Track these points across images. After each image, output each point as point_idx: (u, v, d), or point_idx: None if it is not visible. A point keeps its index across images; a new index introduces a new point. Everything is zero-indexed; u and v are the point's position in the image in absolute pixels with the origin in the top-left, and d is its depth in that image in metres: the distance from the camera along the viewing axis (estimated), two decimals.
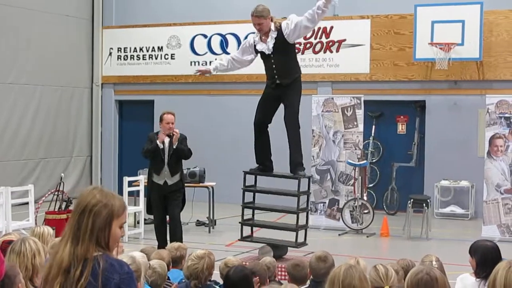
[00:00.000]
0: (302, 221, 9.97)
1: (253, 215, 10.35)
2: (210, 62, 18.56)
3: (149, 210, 11.34)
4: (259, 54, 9.72)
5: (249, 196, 10.24)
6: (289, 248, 10.02)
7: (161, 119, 11.09)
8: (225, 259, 6.95)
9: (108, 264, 3.32)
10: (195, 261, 5.94)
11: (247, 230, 10.46)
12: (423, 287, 3.86)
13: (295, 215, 9.86)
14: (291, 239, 9.99)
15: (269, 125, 9.97)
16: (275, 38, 9.41)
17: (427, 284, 3.86)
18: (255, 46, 9.63)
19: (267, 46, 9.45)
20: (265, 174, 10.07)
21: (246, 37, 18.16)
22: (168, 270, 6.83)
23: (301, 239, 9.96)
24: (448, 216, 15.99)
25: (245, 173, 10.09)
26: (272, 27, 9.45)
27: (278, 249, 9.64)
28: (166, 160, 10.93)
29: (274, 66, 9.54)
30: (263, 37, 9.52)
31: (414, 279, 3.91)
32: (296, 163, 9.70)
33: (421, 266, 4.30)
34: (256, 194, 10.26)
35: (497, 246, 5.89)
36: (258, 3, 9.76)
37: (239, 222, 10.20)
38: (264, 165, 10.00)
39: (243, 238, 10.24)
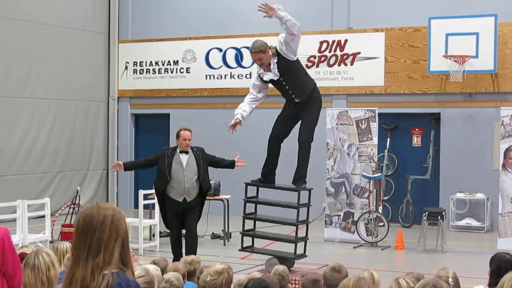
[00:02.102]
0: (303, 233, 10.07)
1: (254, 226, 10.40)
2: (225, 76, 18.86)
3: (166, 224, 11.23)
4: (269, 84, 9.92)
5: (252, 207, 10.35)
6: (300, 261, 10.05)
7: (177, 136, 10.91)
8: (250, 274, 6.95)
9: (116, 283, 3.27)
10: (214, 276, 5.86)
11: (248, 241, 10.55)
12: None
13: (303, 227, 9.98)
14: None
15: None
16: (277, 63, 9.58)
17: None
18: (261, 79, 9.82)
19: (273, 73, 9.61)
20: (266, 186, 10.14)
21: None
22: (184, 282, 6.86)
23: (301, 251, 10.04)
24: (463, 228, 15.96)
25: (247, 184, 10.17)
26: (271, 55, 9.64)
27: (285, 261, 9.66)
28: (184, 179, 10.69)
29: (287, 87, 9.71)
30: (266, 68, 9.68)
31: None
32: (299, 177, 9.87)
33: (428, 278, 4.32)
34: (262, 206, 10.35)
35: (508, 258, 5.87)
36: (256, 39, 10.03)
37: (240, 233, 10.26)
38: (267, 177, 10.13)
39: (243, 248, 10.32)
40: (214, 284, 5.82)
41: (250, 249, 10.32)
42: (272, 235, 10.39)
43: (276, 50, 9.61)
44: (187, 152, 10.79)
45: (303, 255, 10.03)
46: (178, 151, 10.82)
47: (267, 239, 10.40)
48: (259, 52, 9.56)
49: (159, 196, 10.95)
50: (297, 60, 9.77)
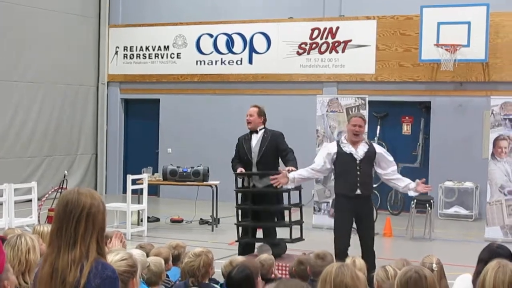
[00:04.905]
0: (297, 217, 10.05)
1: (248, 215, 10.27)
2: (216, 62, 18.78)
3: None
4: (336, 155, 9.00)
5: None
6: (288, 247, 9.99)
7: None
8: (230, 258, 6.96)
9: (93, 267, 3.34)
10: (192, 259, 5.96)
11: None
12: (412, 286, 3.86)
13: (294, 212, 9.94)
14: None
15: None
16: (367, 150, 8.92)
17: (417, 282, 3.87)
18: (340, 148, 8.97)
19: (355, 151, 8.88)
20: (252, 173, 9.92)
21: (251, 37, 18.23)
22: (169, 268, 6.83)
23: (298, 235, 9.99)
24: (452, 217, 15.98)
25: (236, 175, 9.99)
26: (365, 137, 9.31)
27: (277, 248, 9.62)
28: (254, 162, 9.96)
29: (358, 173, 8.87)
30: (353, 143, 8.94)
31: (403, 278, 3.91)
32: None
33: (410, 265, 4.30)
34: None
35: (501, 253, 5.55)
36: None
37: (235, 224, 10.13)
38: None
39: (241, 239, 10.19)
40: (192, 266, 5.90)
41: (248, 238, 10.19)
42: (266, 223, 10.23)
43: (371, 144, 9.18)
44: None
45: (300, 239, 9.97)
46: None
47: (262, 227, 10.27)
48: (364, 120, 9.12)
49: None
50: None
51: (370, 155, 8.94)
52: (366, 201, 9.04)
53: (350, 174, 8.88)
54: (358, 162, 8.87)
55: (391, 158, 9.13)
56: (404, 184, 9.04)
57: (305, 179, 9.23)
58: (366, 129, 14.13)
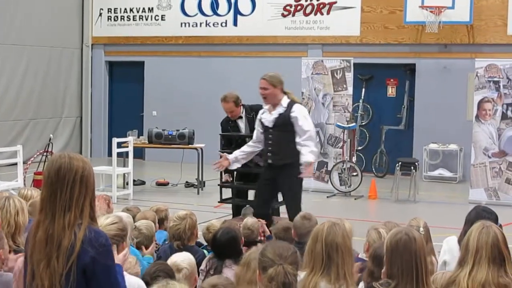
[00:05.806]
0: None
1: (232, 176, 10.32)
2: (201, 24, 18.67)
3: None
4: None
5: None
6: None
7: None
8: (207, 224, 7.04)
9: (87, 232, 3.34)
10: (177, 222, 6.03)
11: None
12: (402, 247, 3.91)
13: None
14: None
15: None
16: (278, 116, 8.23)
17: (406, 244, 3.91)
18: (260, 115, 8.50)
19: (268, 118, 8.31)
20: (239, 136, 9.95)
21: None
22: (155, 230, 6.87)
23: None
24: (436, 179, 16.08)
25: (221, 135, 10.02)
26: (283, 102, 8.26)
27: None
28: None
29: (270, 142, 8.34)
30: (270, 109, 8.35)
31: (393, 239, 3.95)
32: None
33: (400, 227, 4.35)
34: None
35: (487, 216, 5.57)
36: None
37: (218, 185, 10.19)
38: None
39: (223, 200, 10.25)
40: (177, 229, 5.97)
41: (230, 200, 10.27)
42: (250, 186, 10.26)
43: (292, 106, 8.28)
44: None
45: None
46: None
47: (245, 189, 10.32)
48: (267, 81, 8.27)
49: None
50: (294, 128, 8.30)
51: (283, 120, 8.18)
52: (281, 170, 8.22)
53: (265, 143, 8.38)
54: (270, 129, 8.26)
55: (305, 127, 8.18)
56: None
57: (249, 153, 8.63)
58: (351, 92, 14.29)
